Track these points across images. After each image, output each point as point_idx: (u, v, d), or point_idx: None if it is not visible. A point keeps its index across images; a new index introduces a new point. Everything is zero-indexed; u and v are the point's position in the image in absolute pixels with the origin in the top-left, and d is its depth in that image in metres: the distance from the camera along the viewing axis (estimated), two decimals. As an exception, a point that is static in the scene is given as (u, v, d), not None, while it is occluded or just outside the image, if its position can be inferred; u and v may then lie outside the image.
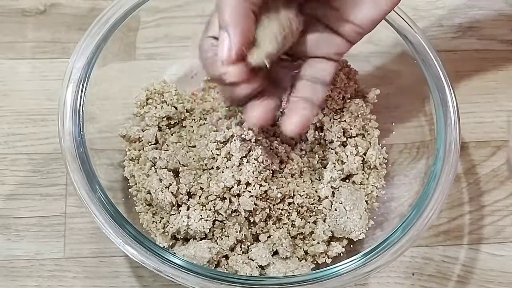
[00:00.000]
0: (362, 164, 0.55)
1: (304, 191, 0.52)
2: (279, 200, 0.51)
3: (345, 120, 0.55)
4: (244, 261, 0.51)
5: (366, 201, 0.54)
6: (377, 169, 0.56)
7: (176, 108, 0.56)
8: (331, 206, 0.53)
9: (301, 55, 0.46)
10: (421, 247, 0.57)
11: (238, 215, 0.51)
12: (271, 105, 0.44)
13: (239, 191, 0.50)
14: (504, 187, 0.61)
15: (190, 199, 0.51)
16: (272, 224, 0.52)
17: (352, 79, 0.56)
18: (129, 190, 0.54)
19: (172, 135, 0.55)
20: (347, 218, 0.52)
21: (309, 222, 0.53)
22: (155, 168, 0.52)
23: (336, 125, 0.54)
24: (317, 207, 0.53)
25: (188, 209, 0.51)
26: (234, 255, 0.52)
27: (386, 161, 0.56)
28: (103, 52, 0.52)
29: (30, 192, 0.57)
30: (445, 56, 0.59)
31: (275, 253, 0.52)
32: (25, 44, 0.64)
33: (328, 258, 0.53)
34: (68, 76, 0.51)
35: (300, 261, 0.52)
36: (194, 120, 0.56)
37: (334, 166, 0.54)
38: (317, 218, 0.53)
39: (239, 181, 0.50)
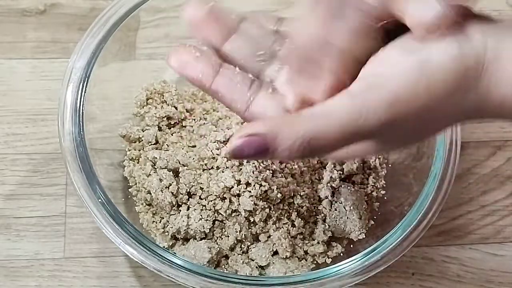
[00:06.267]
0: (362, 164, 0.55)
1: (304, 191, 0.52)
2: (279, 200, 0.51)
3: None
4: (244, 261, 0.51)
5: (366, 201, 0.54)
6: (377, 169, 0.56)
7: (176, 108, 0.56)
8: (331, 206, 0.53)
9: None
10: (421, 247, 0.57)
11: (238, 215, 0.51)
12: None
13: (239, 191, 0.50)
14: (504, 187, 0.61)
15: (190, 199, 0.51)
16: (272, 224, 0.52)
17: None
18: (129, 190, 0.54)
19: (172, 135, 0.55)
20: (347, 218, 0.52)
21: (309, 222, 0.53)
22: (155, 168, 0.52)
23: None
24: (317, 207, 0.53)
25: (188, 209, 0.51)
26: (234, 255, 0.52)
27: (386, 161, 0.56)
28: (103, 52, 0.52)
29: (30, 192, 0.57)
30: (445, 56, 0.59)
31: (275, 253, 0.52)
32: (25, 44, 0.64)
33: (328, 258, 0.53)
34: (68, 76, 0.51)
35: (300, 261, 0.52)
36: (194, 120, 0.56)
37: (334, 166, 0.54)
38: (317, 218, 0.53)
39: (239, 181, 0.50)
